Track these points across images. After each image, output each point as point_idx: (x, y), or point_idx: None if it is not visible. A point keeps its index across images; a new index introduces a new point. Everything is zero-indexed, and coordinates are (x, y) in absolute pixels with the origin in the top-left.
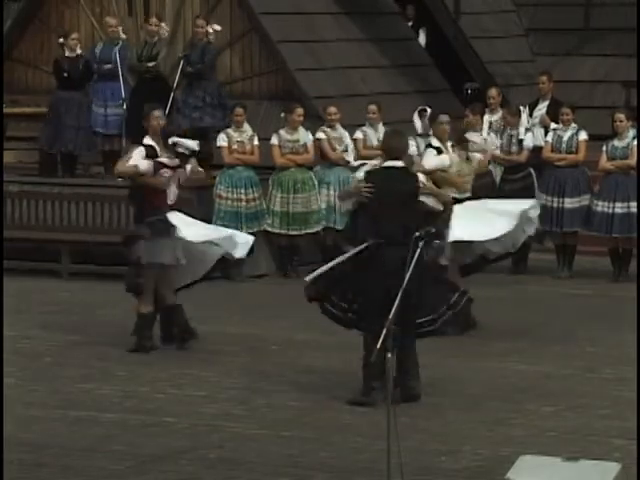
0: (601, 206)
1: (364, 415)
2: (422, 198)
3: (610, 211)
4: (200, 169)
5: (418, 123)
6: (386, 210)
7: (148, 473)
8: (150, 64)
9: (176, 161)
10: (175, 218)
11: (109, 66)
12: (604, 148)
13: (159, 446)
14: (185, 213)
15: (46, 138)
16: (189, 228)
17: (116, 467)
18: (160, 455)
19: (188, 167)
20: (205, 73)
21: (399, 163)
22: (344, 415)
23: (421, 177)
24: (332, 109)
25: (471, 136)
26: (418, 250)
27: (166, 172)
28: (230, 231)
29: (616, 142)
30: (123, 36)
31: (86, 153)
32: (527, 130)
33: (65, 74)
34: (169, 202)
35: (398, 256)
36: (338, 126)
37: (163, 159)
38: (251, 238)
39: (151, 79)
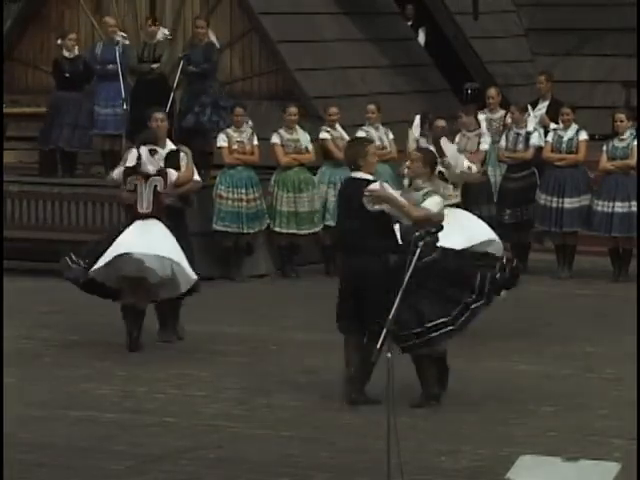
0: (601, 206)
1: (364, 415)
2: (382, 207)
3: (610, 211)
4: (196, 178)
5: (417, 129)
6: (344, 220)
7: (148, 473)
8: (154, 65)
9: (150, 168)
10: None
11: (112, 67)
12: (604, 148)
13: (159, 446)
14: (166, 223)
15: (41, 136)
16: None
17: (116, 467)
18: (160, 455)
19: (174, 174)
20: (210, 73)
21: (358, 174)
22: (344, 415)
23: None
24: (333, 109)
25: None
26: (417, 250)
27: (136, 179)
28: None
29: (616, 142)
30: (120, 36)
31: (83, 151)
32: (534, 129)
33: (66, 74)
34: (142, 210)
35: (353, 265)
36: (338, 126)
37: (132, 164)
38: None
39: (152, 80)
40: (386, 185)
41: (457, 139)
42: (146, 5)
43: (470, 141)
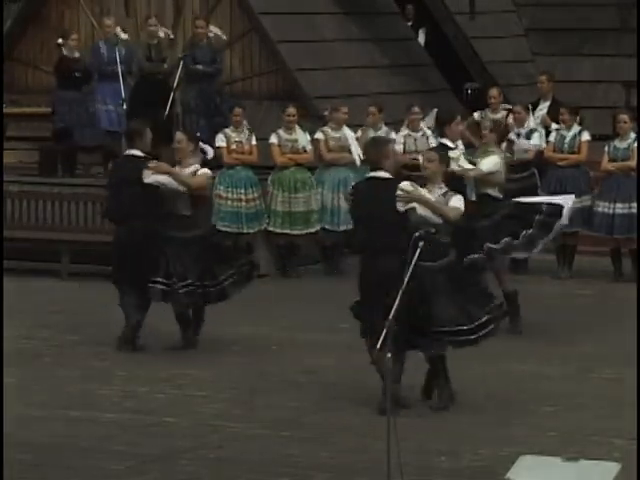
0: (602, 207)
1: (364, 415)
2: (413, 206)
3: (611, 212)
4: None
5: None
6: (368, 221)
7: (148, 473)
8: (165, 65)
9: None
10: None
11: (114, 67)
12: (606, 149)
13: (159, 446)
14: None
15: (56, 134)
16: None
17: (116, 467)
18: (160, 455)
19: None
20: (218, 73)
21: (381, 173)
22: (344, 415)
23: (421, 190)
24: (344, 109)
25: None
26: (418, 250)
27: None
28: None
29: (617, 143)
30: (124, 36)
31: (85, 153)
32: (534, 130)
33: (77, 74)
34: None
35: (382, 266)
36: (345, 127)
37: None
38: None
39: (153, 80)
40: (416, 186)
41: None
42: (146, 5)
43: (418, 141)
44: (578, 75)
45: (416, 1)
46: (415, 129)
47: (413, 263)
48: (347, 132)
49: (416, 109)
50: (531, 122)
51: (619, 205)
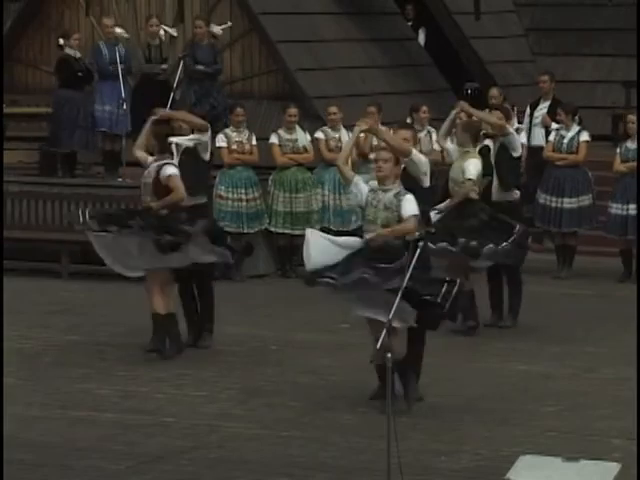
0: (615, 208)
1: (364, 415)
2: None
3: (625, 213)
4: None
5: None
6: None
7: (148, 473)
8: (164, 66)
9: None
10: None
11: (113, 67)
12: (617, 150)
13: (159, 446)
14: None
15: (52, 137)
16: None
17: (116, 467)
18: (160, 455)
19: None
20: (218, 73)
21: None
22: (344, 415)
23: None
24: (332, 108)
25: None
26: (418, 250)
27: None
28: None
29: (629, 144)
30: (123, 34)
31: (85, 152)
32: (519, 129)
33: (79, 73)
34: None
35: None
36: (340, 126)
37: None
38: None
39: (157, 80)
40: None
41: None
42: (146, 5)
43: (421, 141)
44: (578, 75)
45: (416, 1)
46: (420, 129)
47: (412, 264)
48: (343, 133)
49: (425, 108)
50: (515, 122)
51: (632, 206)
